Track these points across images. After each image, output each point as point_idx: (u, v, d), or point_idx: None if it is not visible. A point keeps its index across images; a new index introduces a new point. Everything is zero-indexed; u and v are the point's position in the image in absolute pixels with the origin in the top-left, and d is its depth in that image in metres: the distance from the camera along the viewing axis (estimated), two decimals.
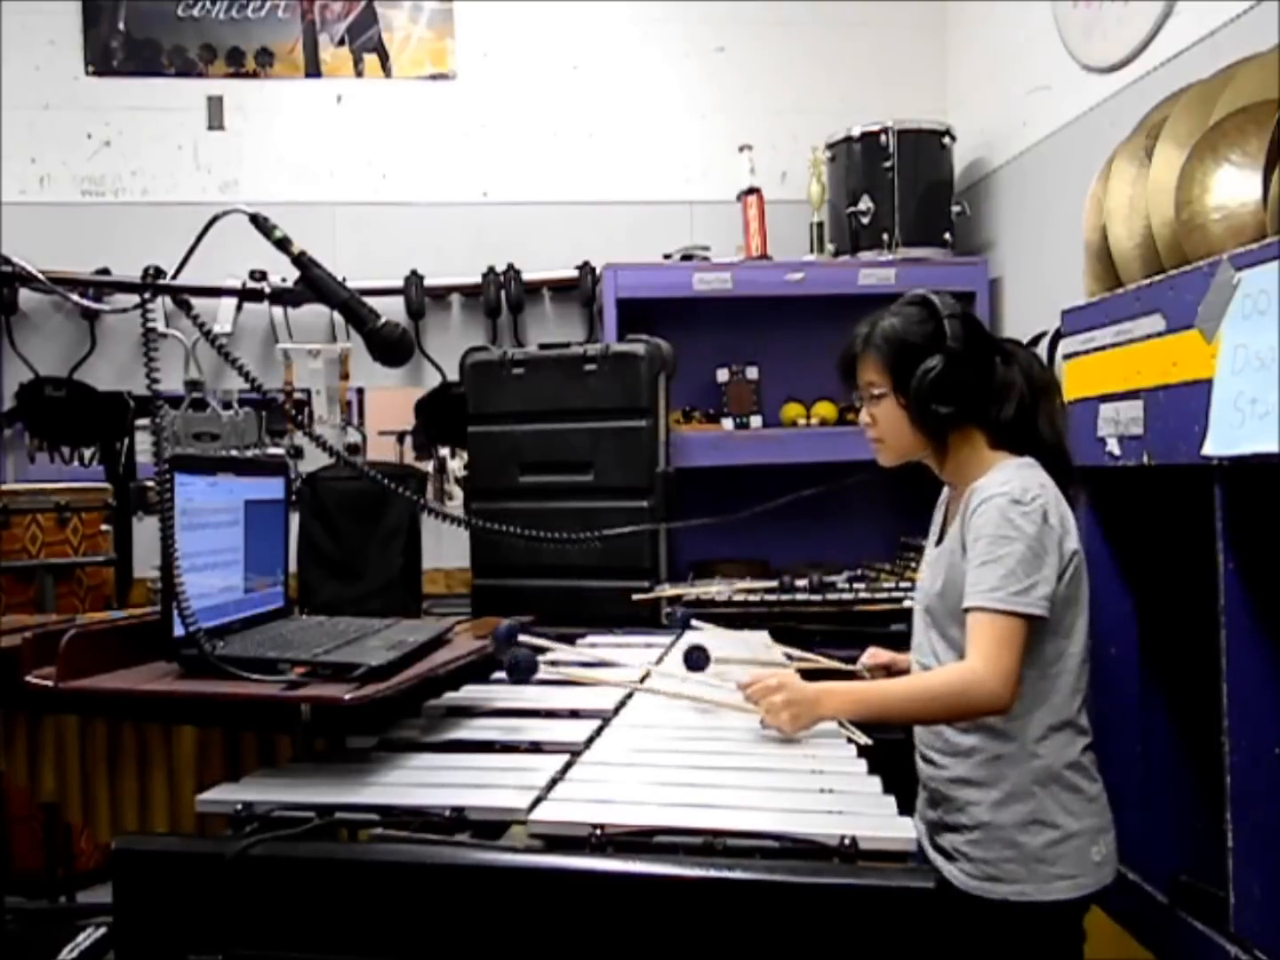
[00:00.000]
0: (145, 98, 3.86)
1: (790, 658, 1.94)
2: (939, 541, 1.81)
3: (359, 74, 3.97)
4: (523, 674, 1.73)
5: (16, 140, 3.76)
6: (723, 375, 3.83)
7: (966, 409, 1.70)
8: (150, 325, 1.43)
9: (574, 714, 1.66)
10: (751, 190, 3.68)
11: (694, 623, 2.25)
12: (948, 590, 1.69)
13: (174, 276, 1.52)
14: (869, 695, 1.59)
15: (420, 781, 1.34)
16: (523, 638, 1.80)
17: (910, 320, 1.73)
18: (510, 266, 3.87)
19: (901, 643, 1.95)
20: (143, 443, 3.67)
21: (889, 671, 1.88)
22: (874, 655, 1.93)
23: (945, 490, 1.87)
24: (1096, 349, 2.01)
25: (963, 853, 1.68)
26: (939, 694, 1.57)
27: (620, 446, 3.04)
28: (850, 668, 1.89)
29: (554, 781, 1.33)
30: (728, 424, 3.76)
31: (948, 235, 3.58)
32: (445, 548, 3.69)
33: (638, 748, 1.49)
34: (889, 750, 1.53)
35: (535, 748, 1.49)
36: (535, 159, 3.99)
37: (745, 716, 1.59)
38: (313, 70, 3.95)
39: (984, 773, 1.65)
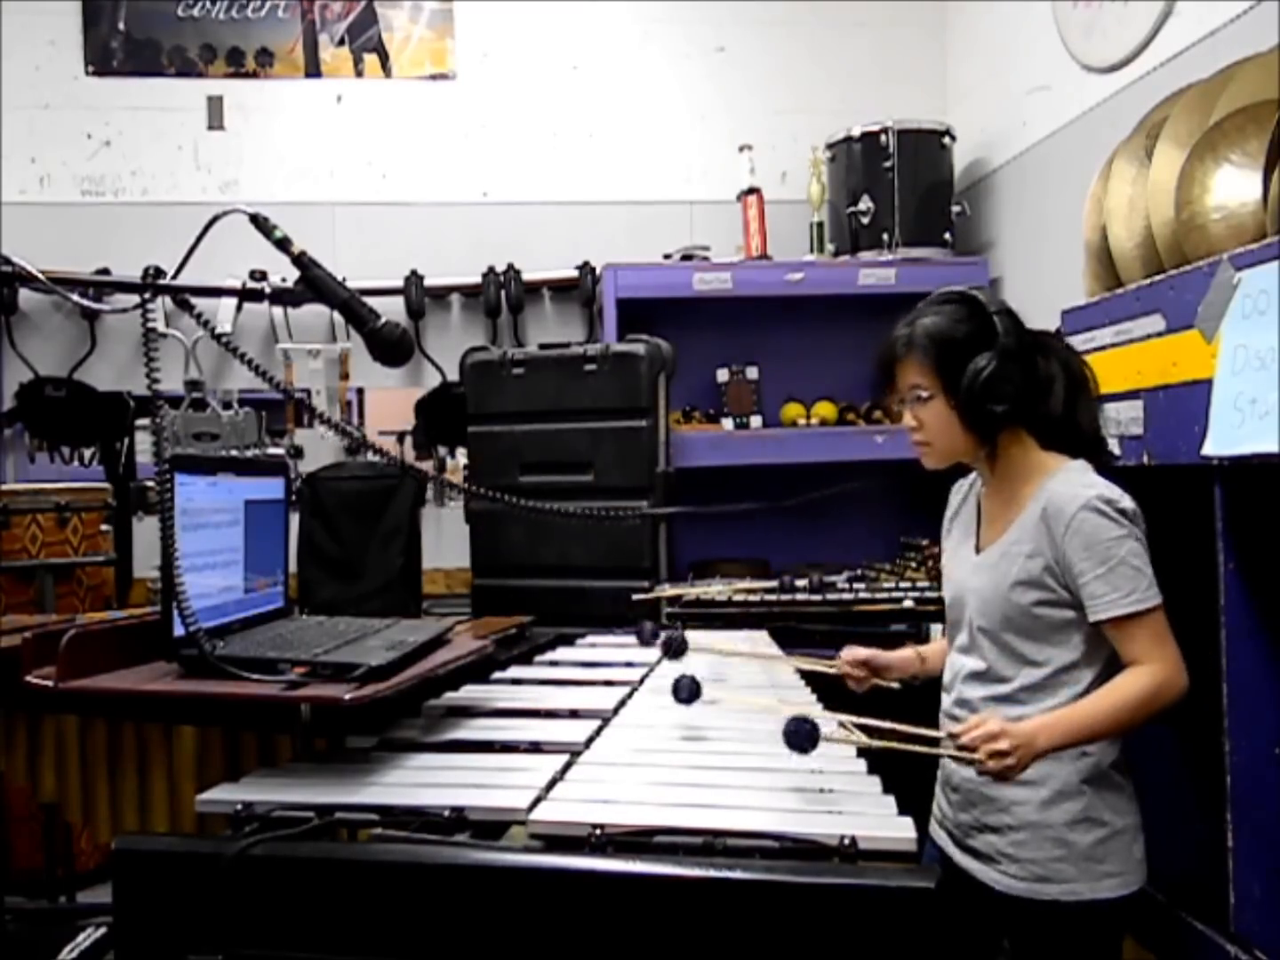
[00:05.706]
0: (145, 98, 3.86)
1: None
2: (979, 544, 1.76)
3: (359, 74, 3.97)
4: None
5: (16, 140, 3.77)
6: (723, 375, 3.83)
7: (1019, 407, 1.67)
8: (150, 325, 1.43)
9: (574, 714, 1.66)
10: (751, 190, 3.69)
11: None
12: (1022, 587, 1.65)
13: (174, 276, 1.52)
14: (1076, 721, 1.58)
15: (420, 781, 1.34)
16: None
17: (953, 318, 1.68)
18: (510, 266, 3.87)
19: (900, 643, 1.93)
20: (143, 443, 3.67)
21: (869, 667, 1.82)
22: (852, 653, 1.84)
23: (973, 492, 1.83)
24: (1097, 349, 2.01)
25: (1007, 854, 1.64)
26: (1138, 701, 1.55)
27: (620, 446, 3.04)
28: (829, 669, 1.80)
29: (554, 781, 1.33)
30: (728, 424, 3.77)
31: (948, 235, 3.58)
32: (445, 548, 3.69)
33: (638, 748, 1.49)
34: (888, 750, 1.52)
35: (535, 748, 1.49)
36: (535, 159, 3.99)
37: (745, 716, 1.59)
38: (313, 70, 3.95)
39: (1032, 771, 1.60)
